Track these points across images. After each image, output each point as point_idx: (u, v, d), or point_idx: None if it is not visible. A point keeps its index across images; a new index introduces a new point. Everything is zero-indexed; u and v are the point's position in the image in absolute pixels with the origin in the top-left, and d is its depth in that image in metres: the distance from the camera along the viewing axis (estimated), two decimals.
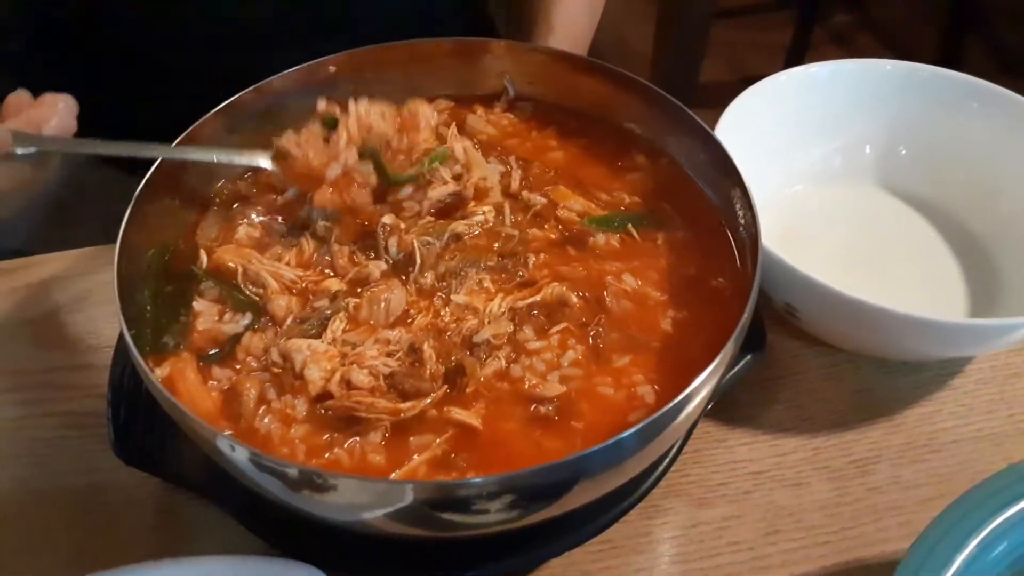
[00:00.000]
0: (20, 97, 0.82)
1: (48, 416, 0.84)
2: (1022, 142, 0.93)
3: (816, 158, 1.01)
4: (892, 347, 0.83)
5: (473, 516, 0.58)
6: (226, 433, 0.62)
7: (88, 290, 0.95)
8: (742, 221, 0.75)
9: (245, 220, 0.81)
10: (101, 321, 0.91)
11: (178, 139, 0.78)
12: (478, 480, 0.56)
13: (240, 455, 0.57)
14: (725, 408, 0.82)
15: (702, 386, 0.60)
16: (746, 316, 0.63)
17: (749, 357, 0.78)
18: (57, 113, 0.81)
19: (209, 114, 0.80)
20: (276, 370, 0.69)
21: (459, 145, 0.83)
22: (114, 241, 0.69)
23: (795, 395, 0.85)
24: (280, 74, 0.84)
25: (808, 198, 1.00)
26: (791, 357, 0.88)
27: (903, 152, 1.00)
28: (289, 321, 0.72)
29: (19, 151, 0.77)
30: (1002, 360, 0.88)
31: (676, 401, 0.59)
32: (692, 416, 0.64)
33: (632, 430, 0.57)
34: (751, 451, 0.81)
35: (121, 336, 0.76)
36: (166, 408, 0.61)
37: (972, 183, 0.97)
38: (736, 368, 0.77)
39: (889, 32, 3.09)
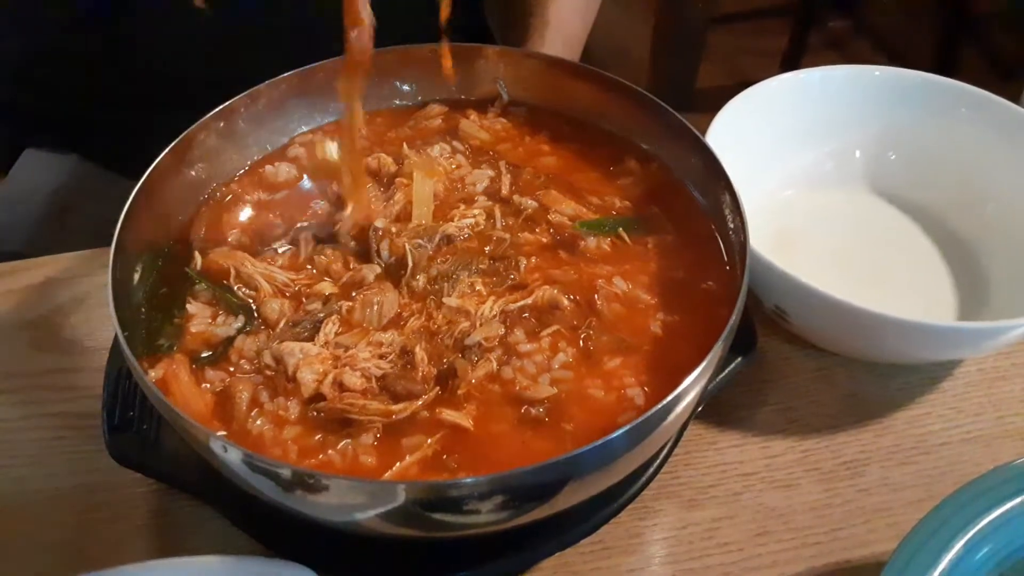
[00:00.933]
0: None
1: (44, 417, 0.84)
2: (1009, 147, 0.94)
3: (807, 163, 1.01)
4: (881, 350, 0.84)
5: (464, 516, 0.59)
6: (219, 434, 0.63)
7: (85, 292, 0.95)
8: (731, 225, 0.75)
9: (238, 223, 0.82)
10: (97, 323, 0.92)
11: (174, 142, 0.78)
12: (469, 480, 0.56)
13: (233, 456, 0.57)
14: (716, 410, 0.83)
15: (690, 388, 0.61)
16: (734, 319, 0.64)
17: (740, 360, 0.78)
18: None
19: (205, 117, 0.81)
20: (269, 372, 0.69)
21: (418, 174, 0.82)
22: (110, 244, 0.69)
23: (785, 398, 0.86)
24: (274, 79, 0.85)
25: (799, 202, 1.00)
26: (782, 360, 0.88)
27: (893, 157, 1.01)
28: (282, 324, 0.72)
29: None
30: (990, 363, 0.89)
31: (665, 403, 0.59)
32: (681, 418, 0.65)
33: (621, 431, 0.57)
34: (741, 453, 0.81)
35: (116, 338, 0.77)
36: (160, 409, 0.62)
37: (961, 188, 0.97)
38: (726, 371, 0.77)
39: (884, 37, 3.11)
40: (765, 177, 0.98)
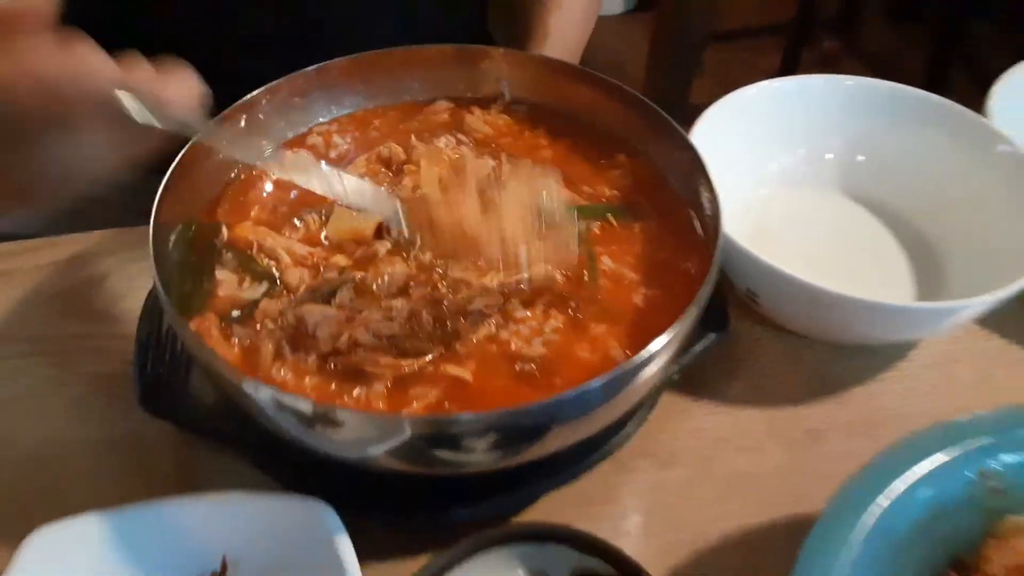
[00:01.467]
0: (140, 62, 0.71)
1: (76, 376, 0.91)
2: (965, 150, 1.01)
3: (783, 164, 1.09)
4: (843, 329, 0.91)
5: (463, 453, 0.67)
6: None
7: (109, 268, 1.02)
8: (708, 212, 0.83)
9: (260, 200, 0.89)
10: (121, 294, 0.98)
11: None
12: (466, 416, 0.64)
13: (264, 395, 0.65)
14: (691, 383, 0.90)
15: (664, 349, 0.68)
16: (706, 287, 0.72)
17: (713, 336, 0.86)
18: (183, 91, 0.71)
19: (229, 108, 0.88)
20: (290, 330, 0.77)
21: (425, 161, 0.87)
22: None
23: (755, 374, 0.93)
24: (289, 76, 0.92)
25: (775, 201, 1.08)
26: (753, 341, 0.96)
27: (861, 160, 1.09)
28: (302, 289, 0.80)
29: (138, 118, 0.68)
30: (943, 348, 0.96)
31: (639, 358, 0.67)
32: (655, 376, 0.72)
33: (598, 381, 0.65)
34: (713, 420, 0.89)
35: (150, 298, 0.85)
36: (195, 353, 0.69)
37: (927, 191, 1.04)
38: (701, 343, 0.85)
39: (876, 58, 3.18)
40: (742, 179, 1.05)
